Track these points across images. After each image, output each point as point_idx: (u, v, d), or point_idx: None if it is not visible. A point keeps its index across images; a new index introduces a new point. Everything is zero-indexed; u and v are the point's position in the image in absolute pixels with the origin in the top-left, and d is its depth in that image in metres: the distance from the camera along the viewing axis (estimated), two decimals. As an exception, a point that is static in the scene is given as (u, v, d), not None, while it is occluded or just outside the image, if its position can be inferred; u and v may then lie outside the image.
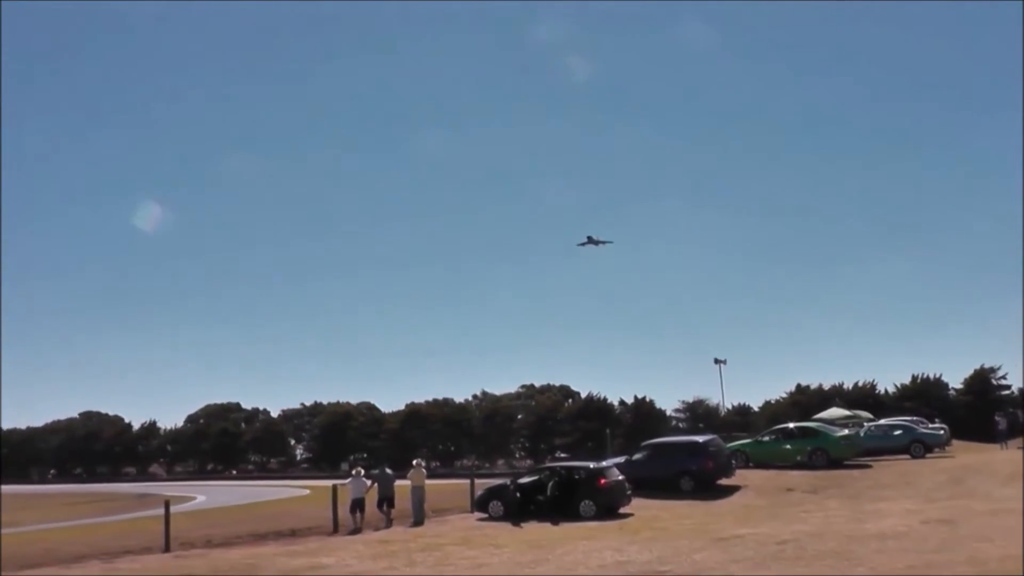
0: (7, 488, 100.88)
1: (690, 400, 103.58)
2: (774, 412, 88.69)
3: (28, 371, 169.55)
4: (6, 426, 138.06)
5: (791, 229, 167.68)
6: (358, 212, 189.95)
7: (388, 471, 34.72)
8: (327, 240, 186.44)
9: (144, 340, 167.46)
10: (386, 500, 32.87)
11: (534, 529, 29.47)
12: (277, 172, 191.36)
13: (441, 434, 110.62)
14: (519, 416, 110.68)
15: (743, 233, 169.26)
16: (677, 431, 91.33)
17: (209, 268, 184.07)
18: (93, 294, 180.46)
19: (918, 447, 46.01)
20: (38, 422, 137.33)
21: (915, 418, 54.91)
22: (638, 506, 32.55)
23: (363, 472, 34.53)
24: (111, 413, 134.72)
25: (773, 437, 43.88)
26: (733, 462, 39.52)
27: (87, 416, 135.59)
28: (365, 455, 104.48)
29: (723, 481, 37.36)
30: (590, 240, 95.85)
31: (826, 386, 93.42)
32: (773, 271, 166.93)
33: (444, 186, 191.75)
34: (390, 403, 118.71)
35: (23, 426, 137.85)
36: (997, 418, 61.87)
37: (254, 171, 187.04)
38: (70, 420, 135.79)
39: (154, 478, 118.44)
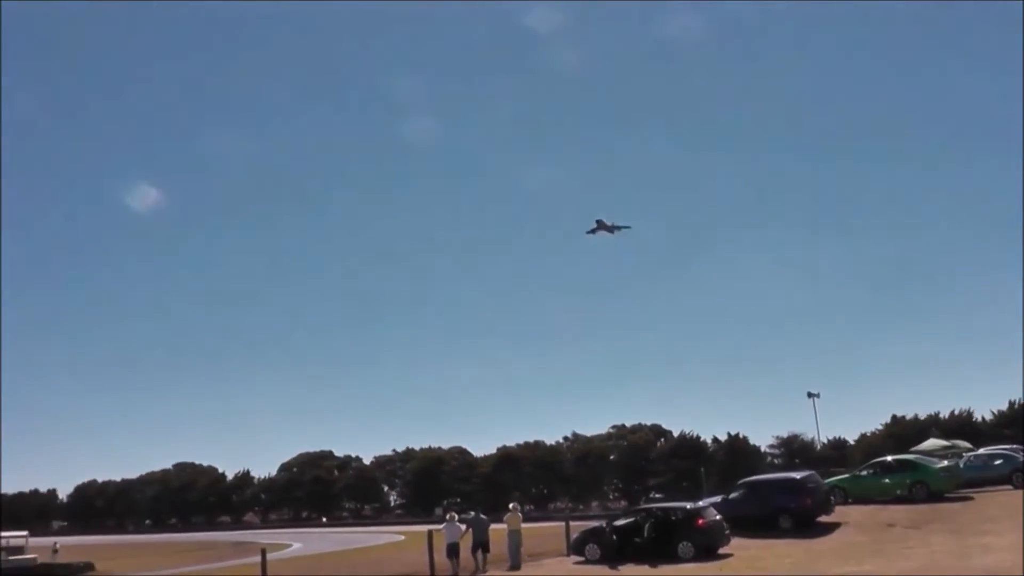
0: (106, 538, 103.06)
1: (784, 435, 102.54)
2: (870, 445, 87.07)
3: (122, 424, 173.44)
4: (102, 478, 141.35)
5: (879, 253, 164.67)
6: (442, 251, 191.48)
7: (482, 516, 34.81)
8: (409, 283, 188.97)
9: (236, 390, 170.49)
10: (481, 545, 32.90)
11: (632, 572, 29.43)
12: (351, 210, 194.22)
13: (533, 477, 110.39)
14: (611, 457, 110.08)
15: (829, 259, 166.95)
16: (772, 468, 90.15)
17: (299, 317, 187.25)
18: (184, 345, 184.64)
19: (1020, 476, 44.51)
20: (132, 474, 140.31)
21: (1015, 446, 53.29)
22: (737, 546, 32.26)
23: (456, 517, 34.68)
24: (205, 464, 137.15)
25: (871, 471, 42.93)
26: (832, 498, 38.94)
27: (181, 467, 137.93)
28: (458, 500, 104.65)
29: (822, 518, 36.80)
30: (600, 225, 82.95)
31: (922, 416, 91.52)
32: (863, 298, 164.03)
33: (518, 220, 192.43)
34: (481, 447, 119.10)
35: (118, 478, 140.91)
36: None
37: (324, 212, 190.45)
38: (164, 471, 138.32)
39: (249, 526, 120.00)
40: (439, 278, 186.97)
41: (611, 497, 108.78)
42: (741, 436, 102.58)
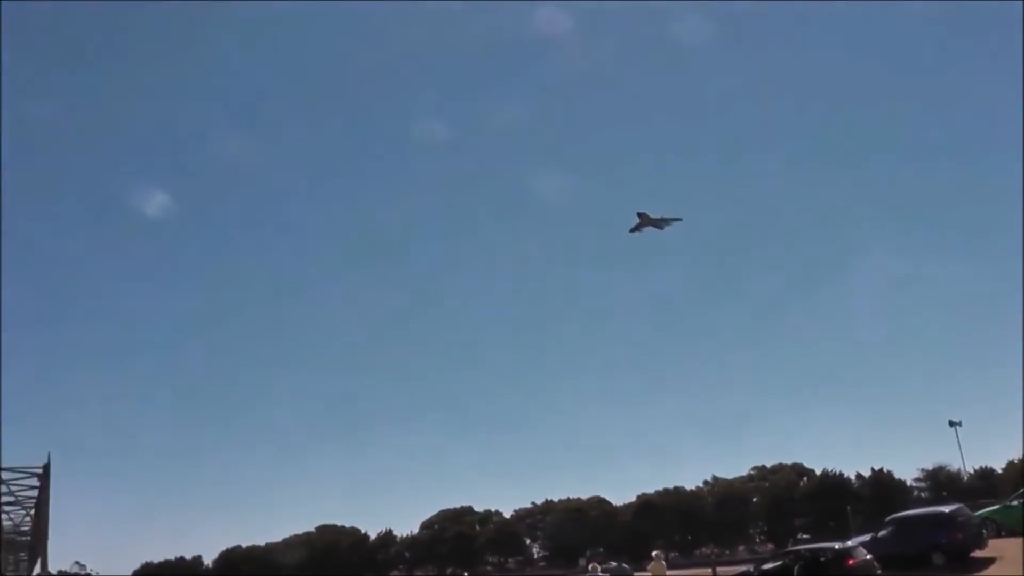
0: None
1: (929, 467, 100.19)
2: (1019, 473, 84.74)
3: (264, 490, 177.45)
4: (246, 543, 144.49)
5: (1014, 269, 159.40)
6: (582, 317, 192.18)
7: (624, 565, 35.24)
8: (542, 338, 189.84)
9: (372, 450, 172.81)
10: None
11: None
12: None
13: (675, 524, 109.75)
14: (754, 499, 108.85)
15: (962, 278, 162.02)
16: (919, 502, 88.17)
17: (439, 379, 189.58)
18: (318, 407, 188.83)
19: None
20: (276, 538, 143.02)
21: None
22: (889, 585, 32.00)
23: (600, 568, 35.06)
24: (347, 525, 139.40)
25: (1022, 501, 41.92)
26: (984, 532, 38.15)
27: (324, 529, 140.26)
28: (601, 550, 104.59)
29: (975, 553, 36.12)
30: (645, 220, 71.78)
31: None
32: (1000, 319, 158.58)
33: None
34: (620, 495, 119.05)
35: (262, 542, 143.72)
36: None
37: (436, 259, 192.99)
38: (307, 534, 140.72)
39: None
40: (578, 337, 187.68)
41: (757, 540, 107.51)
42: (885, 471, 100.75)
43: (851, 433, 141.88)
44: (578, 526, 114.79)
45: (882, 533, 37.64)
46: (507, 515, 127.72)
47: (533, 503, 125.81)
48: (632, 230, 72.77)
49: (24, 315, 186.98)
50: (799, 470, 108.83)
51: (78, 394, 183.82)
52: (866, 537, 37.97)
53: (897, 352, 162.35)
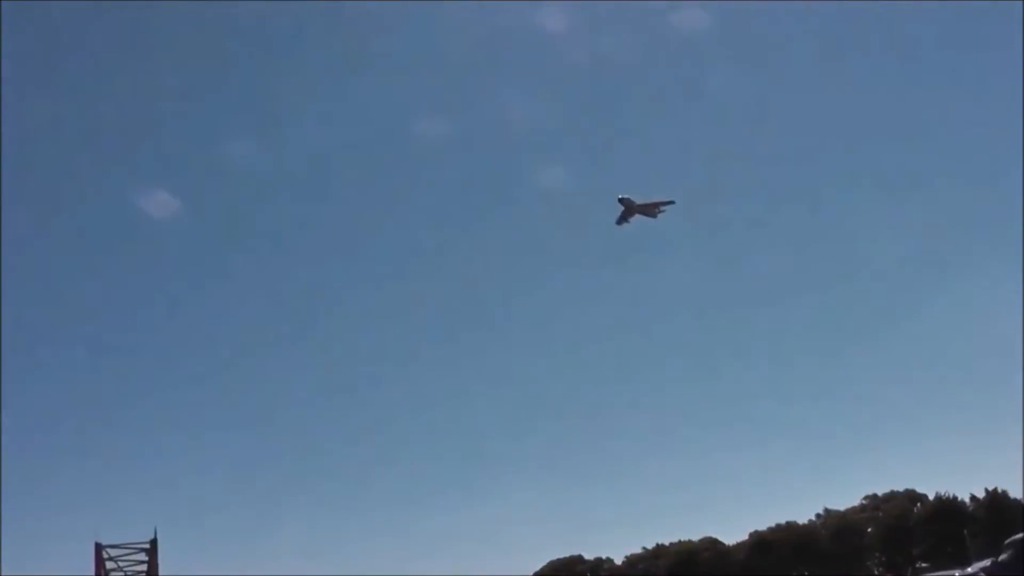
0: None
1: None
2: None
3: (374, 548, 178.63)
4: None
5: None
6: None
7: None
8: (646, 379, 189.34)
9: (481, 503, 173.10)
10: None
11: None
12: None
13: (790, 559, 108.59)
14: (868, 530, 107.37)
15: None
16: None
17: (544, 428, 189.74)
18: (428, 468, 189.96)
19: None
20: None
21: None
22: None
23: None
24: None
25: None
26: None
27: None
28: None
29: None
30: (631, 208, 59.95)
31: None
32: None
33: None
34: (731, 533, 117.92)
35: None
36: None
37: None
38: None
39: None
40: (662, 363, 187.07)
41: (875, 572, 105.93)
42: (1000, 491, 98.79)
43: (961, 453, 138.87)
44: (692, 569, 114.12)
45: (1003, 557, 37.33)
46: (618, 561, 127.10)
47: (644, 548, 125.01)
48: (618, 222, 61.64)
49: (126, 385, 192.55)
50: (912, 496, 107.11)
51: (184, 466, 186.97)
52: (986, 562, 37.82)
53: (1001, 365, 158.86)
